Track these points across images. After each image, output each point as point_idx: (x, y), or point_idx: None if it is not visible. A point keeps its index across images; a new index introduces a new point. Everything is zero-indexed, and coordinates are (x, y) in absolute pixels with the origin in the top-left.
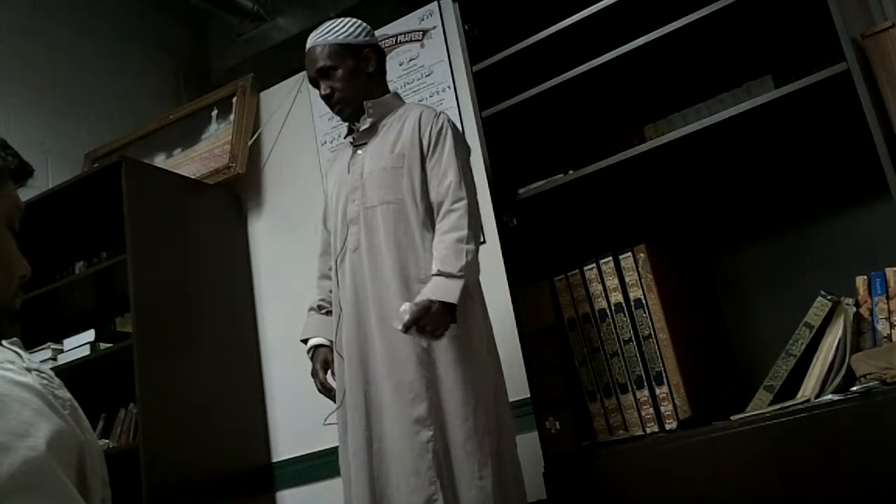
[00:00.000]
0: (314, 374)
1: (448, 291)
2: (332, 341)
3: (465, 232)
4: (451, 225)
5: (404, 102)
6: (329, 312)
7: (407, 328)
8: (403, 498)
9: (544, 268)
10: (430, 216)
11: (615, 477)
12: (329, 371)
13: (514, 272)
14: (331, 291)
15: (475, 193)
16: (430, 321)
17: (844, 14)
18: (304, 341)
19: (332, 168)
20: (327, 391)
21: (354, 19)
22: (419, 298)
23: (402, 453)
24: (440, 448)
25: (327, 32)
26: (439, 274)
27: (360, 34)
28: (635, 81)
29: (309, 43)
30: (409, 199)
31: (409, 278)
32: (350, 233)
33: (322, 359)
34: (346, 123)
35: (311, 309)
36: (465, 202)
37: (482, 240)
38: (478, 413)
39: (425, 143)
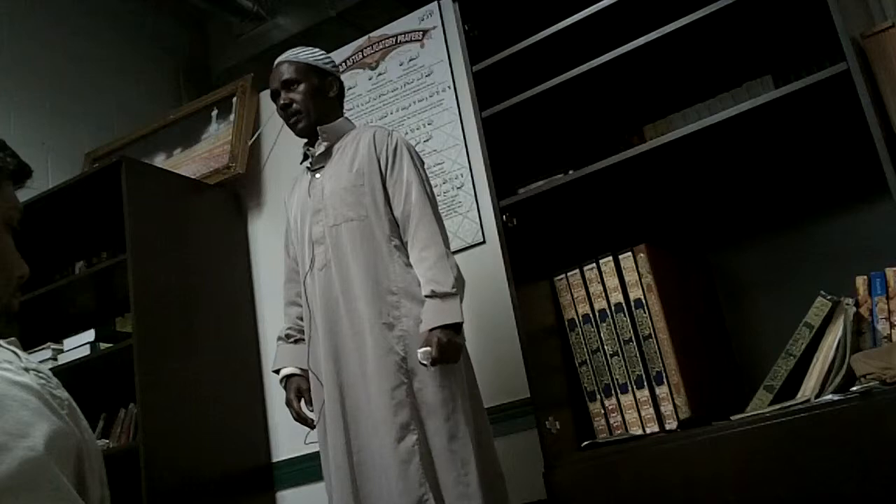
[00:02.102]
0: (289, 403)
1: (448, 312)
2: (304, 370)
3: (442, 247)
4: (425, 240)
5: (355, 126)
6: (297, 341)
7: (434, 365)
8: (394, 502)
9: (544, 268)
10: (394, 229)
11: (615, 477)
12: (303, 400)
13: (514, 272)
14: (298, 318)
15: (437, 204)
16: (445, 354)
17: (844, 14)
18: (276, 371)
19: (291, 197)
20: (303, 420)
21: (325, 52)
22: (423, 328)
23: (387, 460)
24: (424, 451)
25: (298, 52)
26: (434, 295)
27: (328, 63)
28: (635, 81)
29: (277, 60)
30: (374, 214)
31: (382, 290)
32: (316, 252)
33: (295, 388)
34: (302, 150)
35: (280, 339)
36: (431, 215)
37: (482, 240)
38: (457, 415)
39: (382, 160)
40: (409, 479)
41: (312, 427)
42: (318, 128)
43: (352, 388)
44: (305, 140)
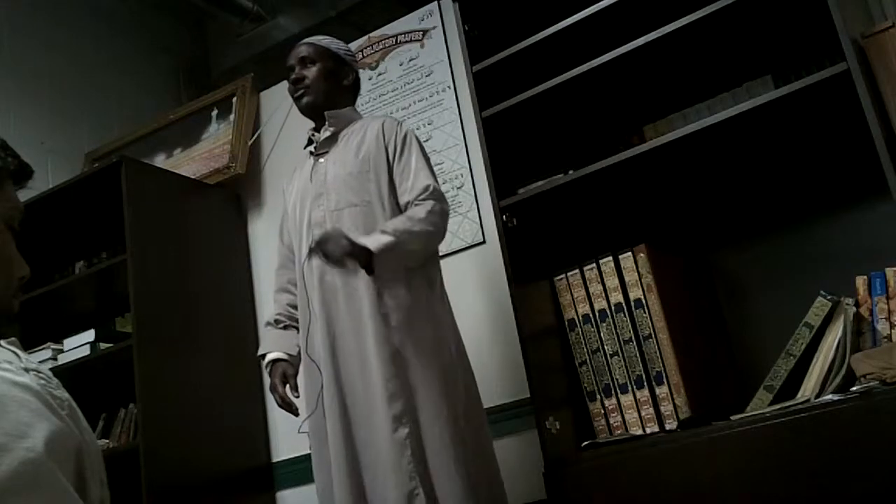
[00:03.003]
0: (273, 388)
1: (372, 240)
2: (290, 355)
3: (420, 216)
4: (411, 211)
5: (362, 116)
6: (286, 327)
7: (310, 251)
8: (388, 494)
9: (544, 268)
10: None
11: (615, 477)
12: (288, 385)
13: (514, 272)
14: (288, 305)
15: (443, 198)
16: (328, 244)
17: (844, 14)
18: (262, 357)
19: (290, 183)
20: (287, 406)
21: (347, 45)
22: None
23: (380, 451)
24: (417, 444)
25: (320, 38)
26: (379, 232)
27: (348, 54)
28: (635, 81)
29: (299, 42)
30: (377, 202)
31: (381, 279)
32: (315, 237)
33: (281, 373)
34: (307, 135)
35: (269, 324)
36: (433, 202)
37: (482, 240)
38: (451, 409)
39: (390, 150)
40: (401, 471)
41: (296, 414)
42: (325, 112)
43: (349, 375)
44: (311, 127)
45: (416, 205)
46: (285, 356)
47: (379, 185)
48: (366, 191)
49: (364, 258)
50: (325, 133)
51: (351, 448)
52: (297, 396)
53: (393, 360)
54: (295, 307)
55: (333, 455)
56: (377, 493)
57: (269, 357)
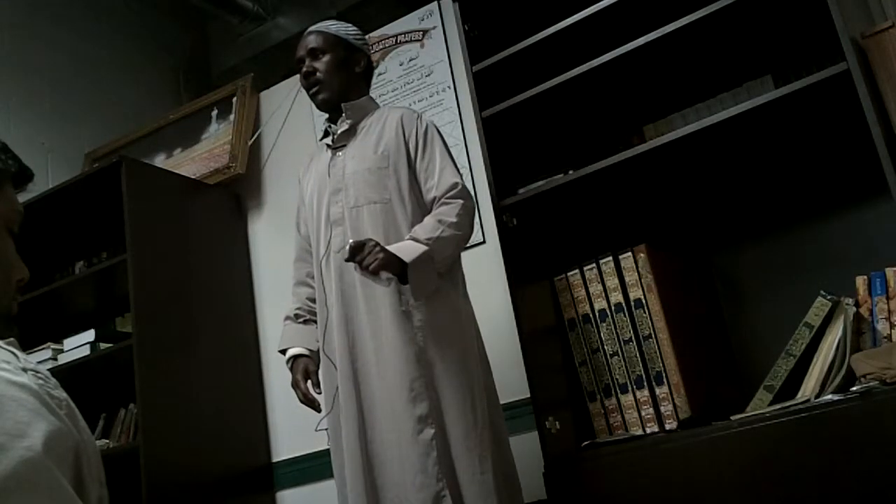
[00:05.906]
0: (295, 385)
1: (406, 251)
2: (311, 350)
3: (451, 219)
4: (440, 211)
5: (379, 106)
6: (307, 321)
7: (347, 259)
8: (410, 495)
9: (544, 268)
10: (417, 216)
11: (615, 477)
12: (310, 381)
13: (514, 272)
14: (307, 298)
15: (467, 192)
16: (365, 256)
17: (844, 14)
18: (283, 352)
19: (306, 173)
20: (310, 402)
21: (356, 27)
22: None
23: (403, 452)
24: (442, 445)
25: (328, 24)
26: (409, 238)
27: (358, 38)
28: (635, 81)
29: (307, 30)
30: (397, 198)
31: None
32: (334, 234)
33: (303, 369)
34: (322, 126)
35: (288, 318)
36: (462, 202)
37: (482, 240)
38: (475, 410)
39: (411, 144)
40: (428, 473)
41: (318, 410)
42: (342, 104)
43: (367, 375)
44: (326, 118)
45: (444, 203)
46: (306, 352)
47: (398, 182)
48: (385, 188)
49: (398, 268)
50: (343, 126)
51: (365, 447)
52: (320, 393)
53: (418, 359)
54: (314, 301)
55: (347, 454)
56: (394, 492)
57: (290, 353)
